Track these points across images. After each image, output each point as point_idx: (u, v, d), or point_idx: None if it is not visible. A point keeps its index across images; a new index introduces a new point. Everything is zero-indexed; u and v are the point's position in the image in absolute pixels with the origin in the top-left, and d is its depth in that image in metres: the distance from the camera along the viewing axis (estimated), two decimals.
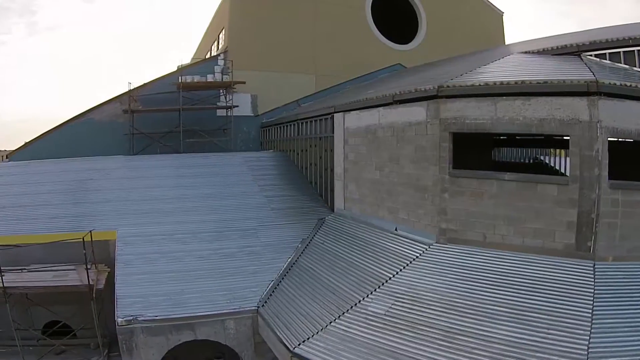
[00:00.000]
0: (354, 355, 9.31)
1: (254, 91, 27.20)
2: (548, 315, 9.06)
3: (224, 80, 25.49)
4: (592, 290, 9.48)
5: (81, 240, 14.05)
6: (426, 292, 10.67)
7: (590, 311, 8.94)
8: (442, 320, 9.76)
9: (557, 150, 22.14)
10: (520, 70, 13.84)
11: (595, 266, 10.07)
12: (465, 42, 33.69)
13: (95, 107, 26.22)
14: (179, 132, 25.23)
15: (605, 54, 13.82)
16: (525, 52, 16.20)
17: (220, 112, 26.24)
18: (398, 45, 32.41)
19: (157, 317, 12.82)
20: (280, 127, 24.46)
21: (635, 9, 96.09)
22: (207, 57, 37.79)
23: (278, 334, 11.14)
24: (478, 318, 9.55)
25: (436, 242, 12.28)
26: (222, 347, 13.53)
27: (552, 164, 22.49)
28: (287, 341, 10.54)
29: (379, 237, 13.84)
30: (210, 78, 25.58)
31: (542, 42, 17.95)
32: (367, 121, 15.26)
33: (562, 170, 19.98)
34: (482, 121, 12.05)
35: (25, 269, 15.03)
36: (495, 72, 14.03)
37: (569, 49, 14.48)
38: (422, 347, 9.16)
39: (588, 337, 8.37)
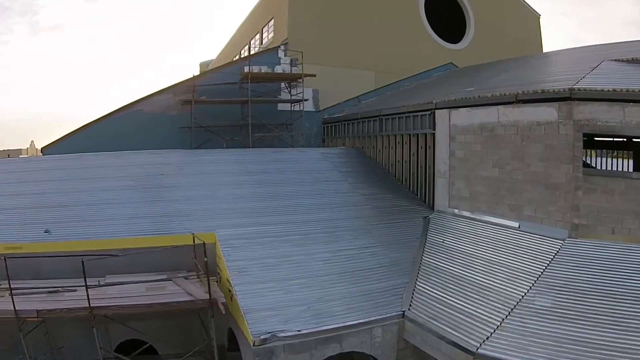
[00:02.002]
0: (542, 348, 10.04)
1: (314, 85, 27.73)
2: None
3: (292, 72, 26.04)
4: None
5: (184, 244, 13.87)
6: (582, 283, 11.80)
7: None
8: (606, 308, 10.91)
9: None
10: (630, 79, 15.12)
11: None
12: (507, 42, 35.46)
13: (144, 97, 25.95)
14: (237, 126, 25.84)
15: None
16: (616, 60, 17.50)
17: (282, 107, 26.98)
18: (449, 44, 33.79)
19: (301, 332, 11.76)
20: (352, 123, 25.19)
21: (632, 10, 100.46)
22: (246, 50, 38.71)
23: (450, 337, 11.37)
24: (619, 299, 10.75)
25: (569, 237, 13.46)
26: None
27: None
28: (464, 343, 10.88)
29: (502, 233, 14.80)
30: (277, 70, 25.91)
31: (601, 48, 19.57)
32: (482, 118, 16.32)
33: None
34: (612, 124, 13.23)
35: (99, 281, 13.58)
36: (609, 77, 15.29)
37: None
38: (602, 334, 10.25)
39: None
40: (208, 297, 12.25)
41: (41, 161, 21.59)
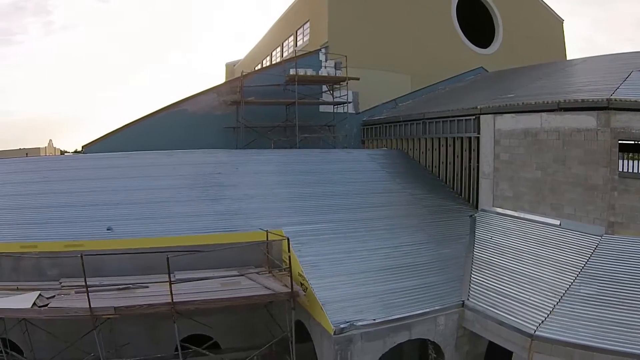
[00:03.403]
0: (589, 330, 12.07)
1: (354, 88, 29.64)
2: None
3: (337, 75, 28.17)
4: None
5: (257, 241, 15.14)
6: (620, 274, 13.98)
7: None
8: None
9: None
10: None
11: None
12: (534, 47, 37.65)
13: (188, 97, 27.47)
14: (282, 127, 27.81)
15: None
16: None
17: (323, 108, 29.16)
18: (480, 49, 36.01)
19: (376, 321, 13.20)
20: (393, 126, 27.34)
21: None
22: (278, 51, 41.07)
23: (509, 322, 13.22)
24: None
25: (606, 234, 15.67)
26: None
27: None
28: (523, 327, 12.77)
29: (545, 230, 16.86)
30: (320, 72, 28.08)
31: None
32: (526, 124, 18.49)
33: None
34: None
35: (176, 275, 14.10)
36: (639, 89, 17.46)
37: None
38: (639, 317, 12.46)
39: None
40: (289, 290, 13.36)
41: (89, 159, 22.35)
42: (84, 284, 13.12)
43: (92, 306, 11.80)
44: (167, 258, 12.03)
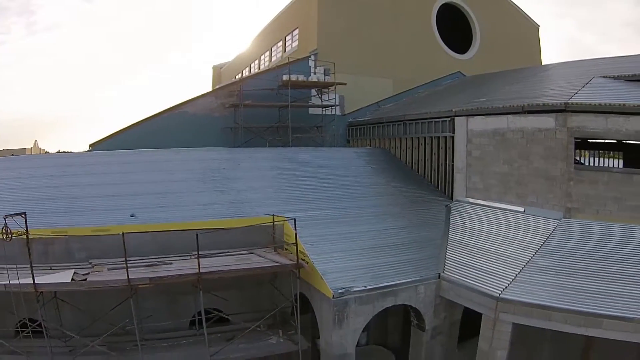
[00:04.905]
0: (545, 293, 14.67)
1: (341, 92, 32.29)
2: None
3: (326, 80, 30.86)
4: None
5: (267, 223, 17.78)
6: (573, 248, 16.64)
7: None
8: (591, 266, 15.71)
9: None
10: (614, 94, 19.89)
11: None
12: (510, 52, 40.54)
13: (188, 100, 29.92)
14: (275, 128, 30.05)
15: None
16: (604, 77, 22.30)
17: (312, 111, 31.61)
18: (458, 54, 38.77)
19: (367, 287, 15.85)
20: (376, 126, 29.98)
21: (632, 10, 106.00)
22: (266, 56, 43.43)
23: (479, 289, 15.85)
24: (600, 261, 15.61)
25: (563, 218, 18.30)
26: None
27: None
28: (491, 292, 15.37)
29: (511, 216, 19.61)
30: (309, 78, 30.65)
31: (595, 63, 24.73)
32: (494, 125, 21.10)
33: None
34: (597, 130, 18.08)
35: (194, 255, 15.73)
36: (596, 93, 20.11)
37: (638, 77, 20.85)
38: (587, 283, 14.89)
39: None
40: (295, 262, 16.17)
41: (109, 156, 24.02)
42: (112, 264, 15.82)
43: (130, 277, 13.91)
44: (197, 235, 14.31)
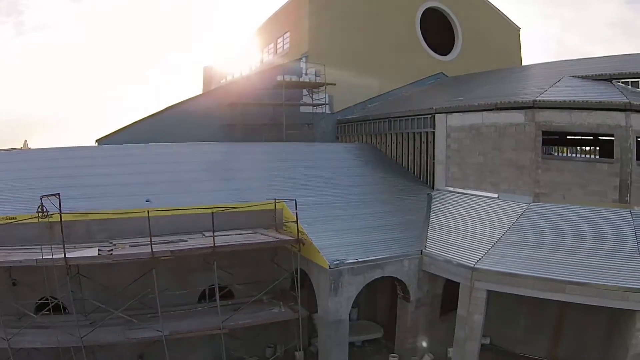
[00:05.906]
0: (514, 263, 17.08)
1: (330, 92, 34.54)
2: (606, 241, 17.55)
3: (317, 81, 33.22)
4: (632, 224, 18.16)
5: (269, 207, 20.15)
6: (540, 227, 18.98)
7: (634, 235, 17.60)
8: (556, 241, 18.05)
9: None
10: (579, 92, 22.37)
11: (632, 212, 18.70)
12: (491, 54, 43.05)
13: (189, 99, 32.34)
14: (269, 125, 32.25)
15: (628, 81, 22.81)
16: (573, 77, 24.81)
17: (303, 109, 33.85)
18: (440, 56, 41.22)
19: (359, 260, 18.28)
20: (364, 123, 32.27)
21: (617, 10, 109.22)
22: (259, 58, 45.49)
23: (455, 262, 18.27)
24: (565, 238, 18.05)
25: (533, 202, 20.65)
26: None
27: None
28: (466, 263, 17.81)
29: (486, 202, 21.93)
30: (301, 79, 33.05)
31: (567, 64, 27.20)
32: (471, 120, 23.48)
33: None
34: (563, 124, 20.53)
35: (205, 234, 18.02)
36: (564, 91, 22.56)
37: (603, 77, 23.38)
38: (552, 255, 17.26)
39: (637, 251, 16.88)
40: (296, 238, 18.54)
41: (122, 149, 26.06)
42: (132, 242, 17.61)
43: (153, 250, 15.82)
44: (212, 214, 16.27)
